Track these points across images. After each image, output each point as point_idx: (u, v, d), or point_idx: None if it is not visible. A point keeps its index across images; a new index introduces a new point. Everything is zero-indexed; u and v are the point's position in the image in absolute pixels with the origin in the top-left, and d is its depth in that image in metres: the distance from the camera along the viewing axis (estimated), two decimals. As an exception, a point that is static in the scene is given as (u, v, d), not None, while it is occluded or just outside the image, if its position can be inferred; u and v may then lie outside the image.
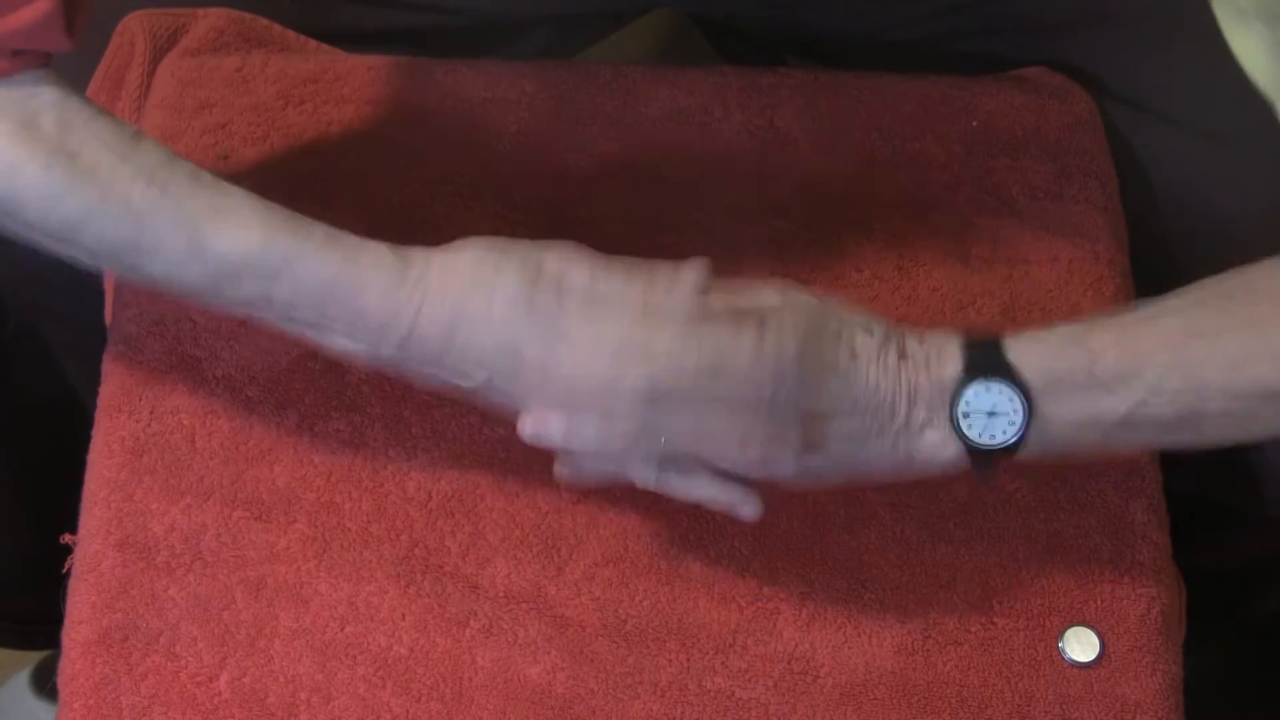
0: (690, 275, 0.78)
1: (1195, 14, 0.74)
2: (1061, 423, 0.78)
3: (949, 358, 0.79)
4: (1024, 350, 0.78)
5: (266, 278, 0.78)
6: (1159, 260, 1.01)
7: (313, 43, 1.05)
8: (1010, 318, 0.95)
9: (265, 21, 1.04)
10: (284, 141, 0.98)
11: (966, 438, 0.78)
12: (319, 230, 0.78)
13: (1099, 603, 0.87)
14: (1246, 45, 0.71)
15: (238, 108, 0.99)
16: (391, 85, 1.01)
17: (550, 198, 0.97)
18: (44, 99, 0.78)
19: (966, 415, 0.78)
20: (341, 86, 1.00)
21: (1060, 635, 0.86)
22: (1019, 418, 0.78)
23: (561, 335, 0.77)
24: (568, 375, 0.77)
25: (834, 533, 0.88)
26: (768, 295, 0.79)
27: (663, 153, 1.00)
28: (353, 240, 0.79)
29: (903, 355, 0.79)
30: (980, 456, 0.78)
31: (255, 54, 1.02)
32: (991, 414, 0.78)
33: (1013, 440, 0.78)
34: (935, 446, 0.79)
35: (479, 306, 0.77)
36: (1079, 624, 0.86)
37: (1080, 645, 0.85)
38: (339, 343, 0.79)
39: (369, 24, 1.07)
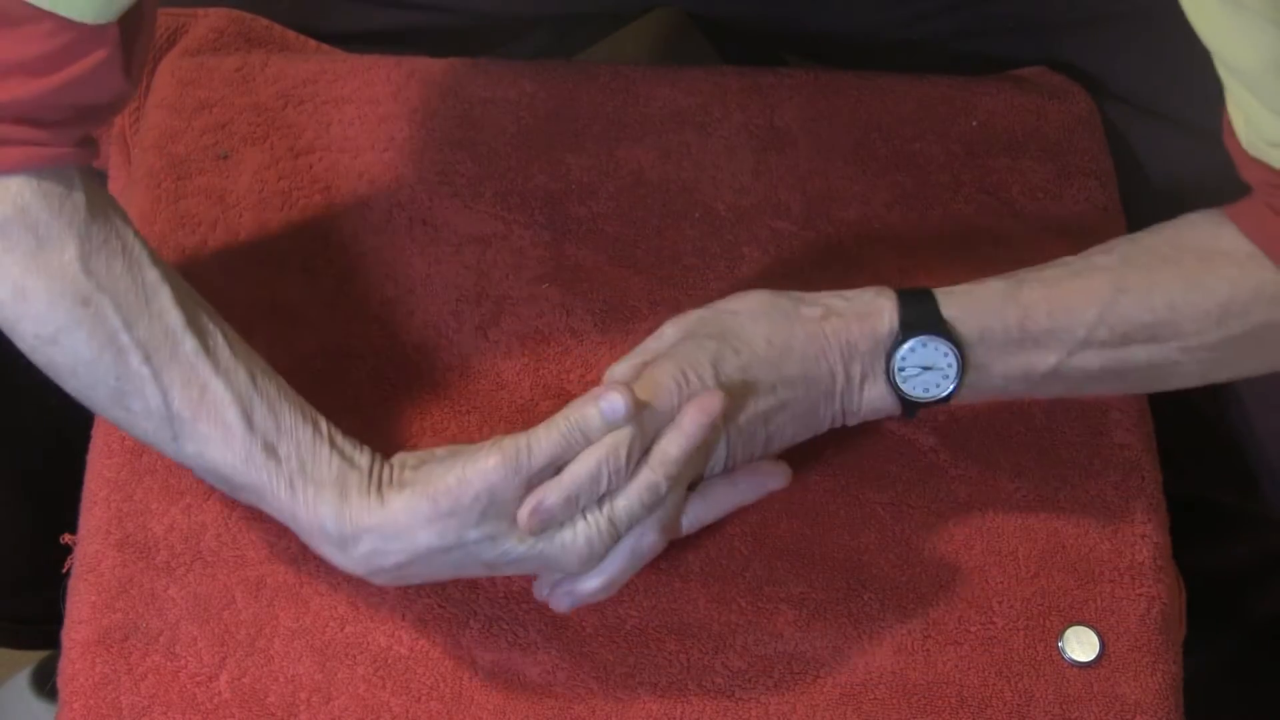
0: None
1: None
2: (992, 374, 0.82)
3: (883, 311, 0.82)
4: (958, 306, 0.81)
5: (229, 487, 0.81)
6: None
7: (313, 43, 1.05)
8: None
9: (265, 21, 1.04)
10: (284, 141, 0.98)
11: (903, 392, 0.82)
12: (284, 473, 0.79)
13: (1099, 603, 0.87)
14: (1200, 3, 0.72)
15: (238, 108, 0.99)
16: (391, 85, 1.01)
17: (550, 198, 0.97)
18: (73, 216, 0.76)
19: (903, 370, 0.81)
20: (341, 86, 1.00)
21: (1060, 635, 0.86)
22: (953, 372, 0.81)
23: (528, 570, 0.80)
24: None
25: (834, 533, 0.88)
26: (664, 336, 0.83)
27: (663, 153, 1.00)
28: (309, 496, 0.79)
29: (828, 314, 0.81)
30: (914, 406, 0.83)
31: (255, 54, 1.02)
32: (927, 369, 0.81)
33: (946, 394, 0.82)
34: (874, 400, 0.83)
35: (435, 575, 0.81)
36: (1079, 624, 0.86)
37: (1080, 645, 0.85)
38: None
39: (369, 24, 1.07)
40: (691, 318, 0.84)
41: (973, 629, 0.86)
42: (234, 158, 0.97)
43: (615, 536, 0.78)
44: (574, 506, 0.77)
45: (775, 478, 0.83)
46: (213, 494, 0.86)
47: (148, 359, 0.77)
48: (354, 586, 0.84)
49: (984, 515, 0.89)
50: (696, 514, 0.82)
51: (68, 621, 0.84)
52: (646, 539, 0.79)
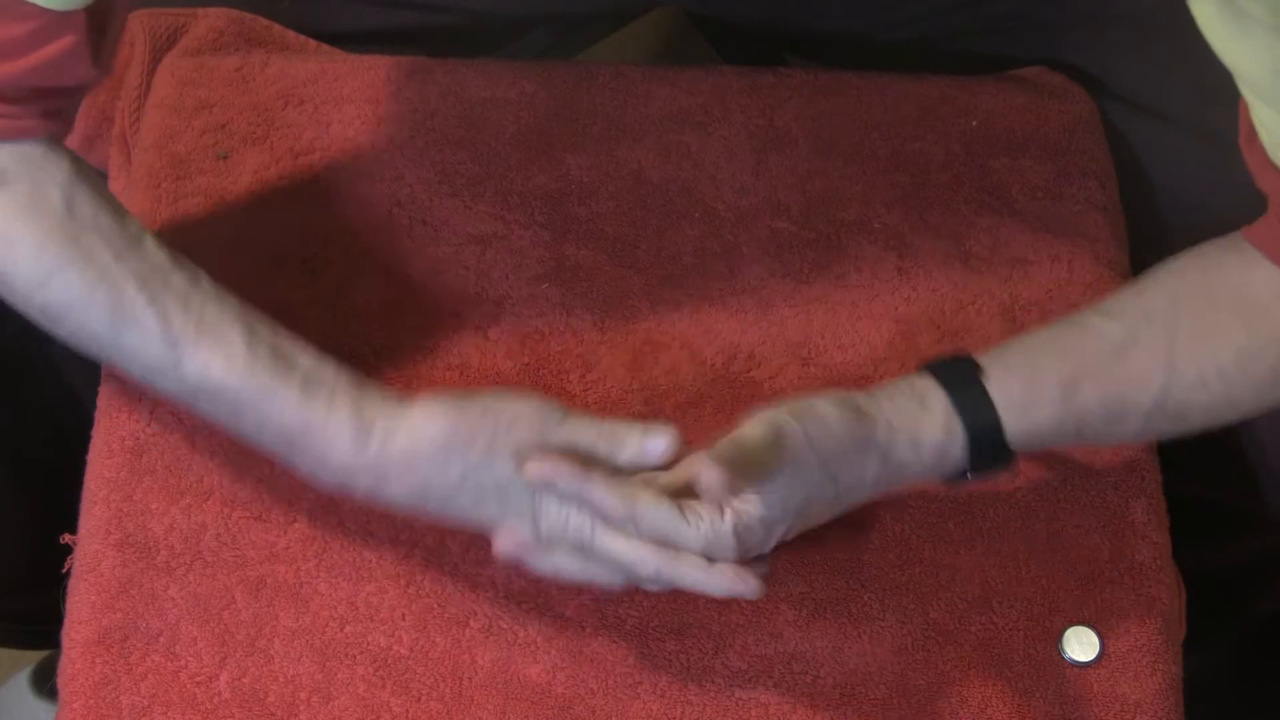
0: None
1: (1195, 14, 0.74)
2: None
3: (955, 459, 0.82)
4: (1021, 428, 0.82)
5: (235, 409, 0.79)
6: (1159, 260, 1.01)
7: (312, 43, 1.05)
8: (1010, 318, 0.95)
9: (265, 21, 1.04)
10: (284, 141, 0.98)
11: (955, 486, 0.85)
12: (296, 375, 0.78)
13: (1099, 603, 0.87)
14: (1205, 10, 0.72)
15: (238, 108, 0.99)
16: (391, 85, 1.01)
17: (550, 198, 0.97)
18: (55, 173, 0.77)
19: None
20: (341, 86, 1.00)
21: (1060, 635, 0.86)
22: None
23: (525, 516, 0.79)
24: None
25: (834, 533, 0.88)
26: (754, 433, 0.78)
27: (663, 153, 1.00)
28: (322, 396, 0.78)
29: (903, 469, 0.81)
30: None
31: (255, 54, 1.02)
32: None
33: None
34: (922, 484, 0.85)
35: (445, 486, 0.78)
36: (1079, 624, 0.86)
37: (1080, 645, 0.85)
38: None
39: (369, 24, 1.07)
40: (802, 446, 0.78)
41: (973, 629, 0.86)
42: (234, 158, 0.97)
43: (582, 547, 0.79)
44: (563, 516, 0.78)
45: (751, 589, 0.79)
46: (213, 494, 0.86)
47: (142, 285, 0.77)
48: (354, 586, 0.84)
49: (984, 515, 0.89)
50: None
51: (68, 621, 0.84)
52: (597, 576, 0.80)
